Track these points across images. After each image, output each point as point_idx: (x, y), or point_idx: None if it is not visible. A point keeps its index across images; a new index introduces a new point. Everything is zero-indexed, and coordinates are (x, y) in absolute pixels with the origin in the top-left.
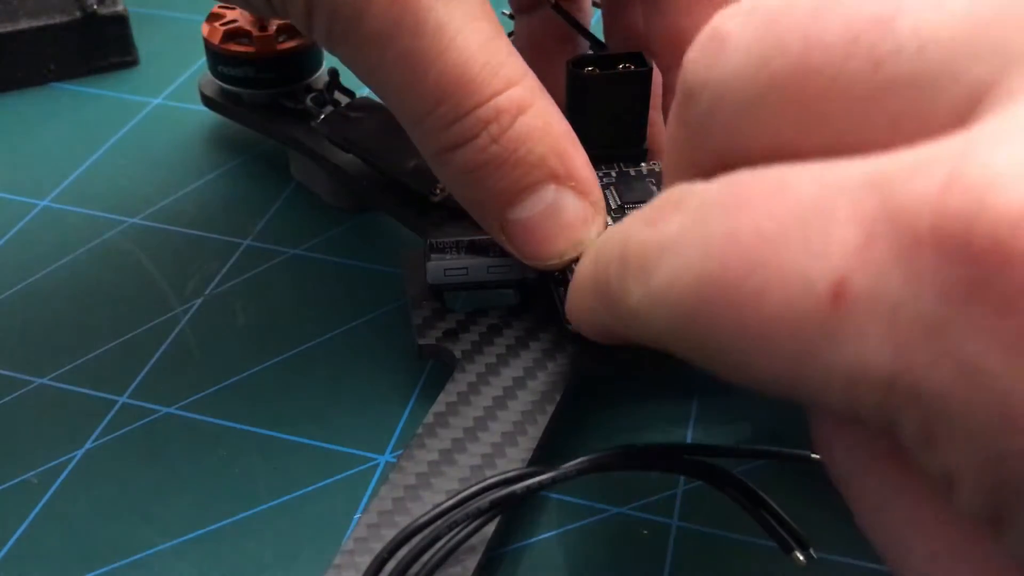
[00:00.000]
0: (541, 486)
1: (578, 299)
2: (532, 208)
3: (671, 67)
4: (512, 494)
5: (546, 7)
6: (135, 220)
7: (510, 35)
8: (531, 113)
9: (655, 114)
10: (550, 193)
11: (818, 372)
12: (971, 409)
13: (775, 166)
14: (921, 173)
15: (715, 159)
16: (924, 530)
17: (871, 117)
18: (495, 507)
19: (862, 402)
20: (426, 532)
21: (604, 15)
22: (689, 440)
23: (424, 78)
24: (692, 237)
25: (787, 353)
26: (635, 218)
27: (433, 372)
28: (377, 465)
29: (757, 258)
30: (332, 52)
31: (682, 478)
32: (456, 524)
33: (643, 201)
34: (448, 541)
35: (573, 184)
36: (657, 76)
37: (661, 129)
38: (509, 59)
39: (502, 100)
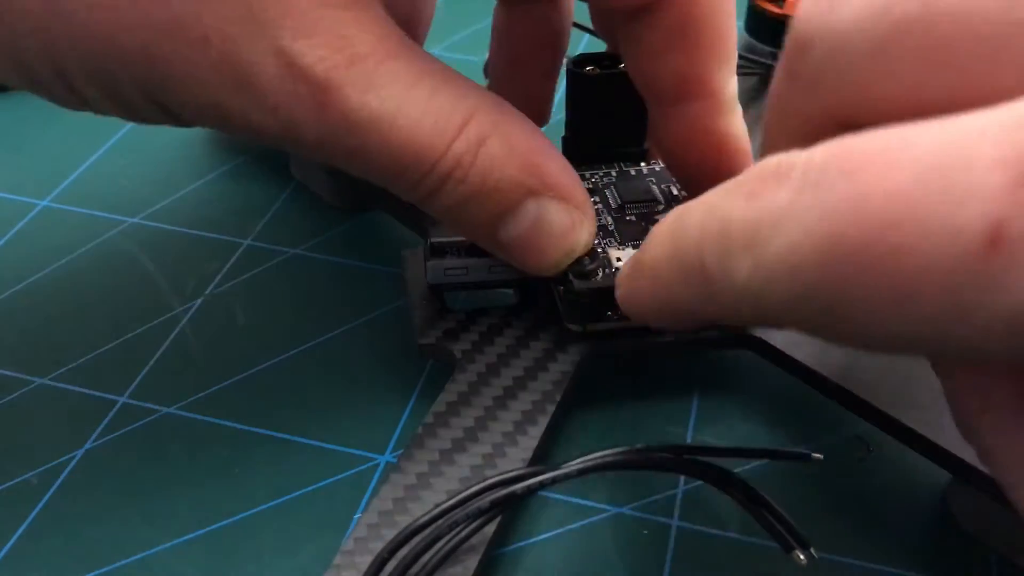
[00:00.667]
0: (541, 486)
1: (648, 285)
2: (519, 226)
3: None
4: (512, 494)
5: (528, 5)
6: (135, 220)
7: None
8: (492, 142)
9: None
10: (532, 208)
11: (976, 323)
12: None
13: (889, 127)
14: None
15: (826, 116)
16: None
17: (1002, 60)
18: (495, 507)
19: None
20: (426, 532)
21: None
22: (689, 440)
23: (377, 162)
24: (808, 203)
25: (936, 308)
26: (728, 193)
27: (433, 372)
28: (377, 465)
29: (891, 215)
30: None
31: (682, 478)
32: (456, 524)
33: (643, 201)
34: (448, 541)
35: (552, 193)
36: None
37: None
38: (460, 100)
39: (458, 145)
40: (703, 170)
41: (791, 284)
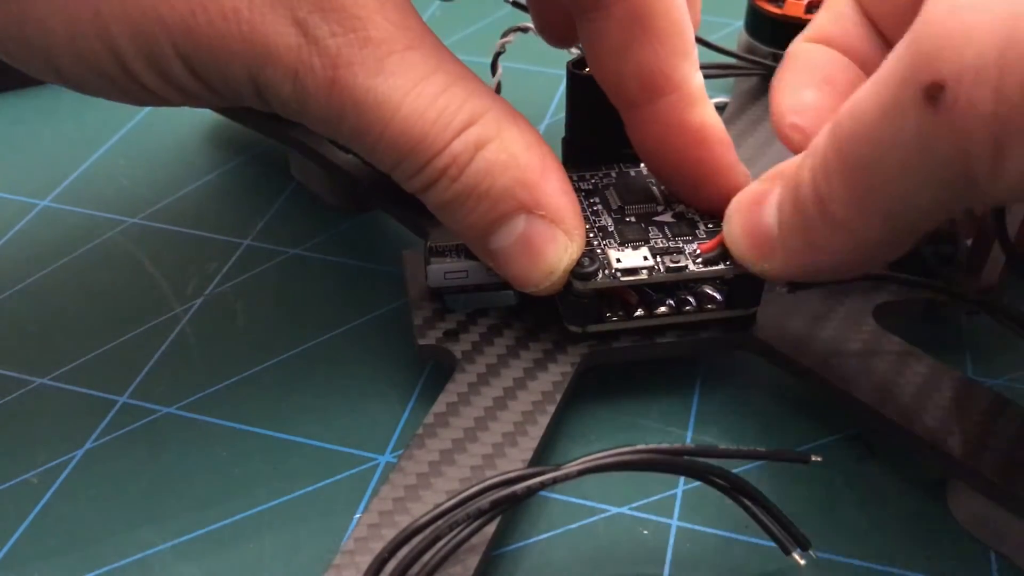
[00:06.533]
0: (542, 486)
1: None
2: (506, 238)
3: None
4: (512, 494)
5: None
6: (135, 220)
7: None
8: (492, 148)
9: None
10: (520, 223)
11: None
12: None
13: None
14: None
15: None
16: None
17: None
18: (496, 507)
19: None
20: (427, 532)
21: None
22: (689, 440)
23: (378, 147)
24: None
25: None
26: None
27: (433, 372)
28: (377, 465)
29: None
30: None
31: (682, 478)
32: (457, 524)
33: (643, 201)
34: (449, 541)
35: (543, 213)
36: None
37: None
38: (468, 101)
39: (457, 144)
40: (683, 165)
41: None
